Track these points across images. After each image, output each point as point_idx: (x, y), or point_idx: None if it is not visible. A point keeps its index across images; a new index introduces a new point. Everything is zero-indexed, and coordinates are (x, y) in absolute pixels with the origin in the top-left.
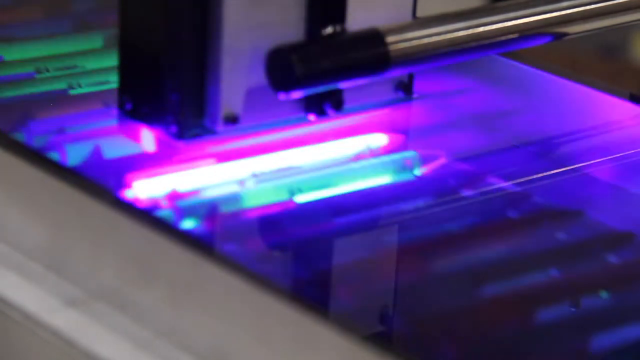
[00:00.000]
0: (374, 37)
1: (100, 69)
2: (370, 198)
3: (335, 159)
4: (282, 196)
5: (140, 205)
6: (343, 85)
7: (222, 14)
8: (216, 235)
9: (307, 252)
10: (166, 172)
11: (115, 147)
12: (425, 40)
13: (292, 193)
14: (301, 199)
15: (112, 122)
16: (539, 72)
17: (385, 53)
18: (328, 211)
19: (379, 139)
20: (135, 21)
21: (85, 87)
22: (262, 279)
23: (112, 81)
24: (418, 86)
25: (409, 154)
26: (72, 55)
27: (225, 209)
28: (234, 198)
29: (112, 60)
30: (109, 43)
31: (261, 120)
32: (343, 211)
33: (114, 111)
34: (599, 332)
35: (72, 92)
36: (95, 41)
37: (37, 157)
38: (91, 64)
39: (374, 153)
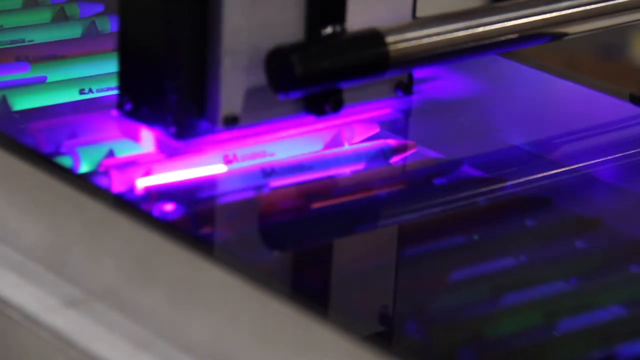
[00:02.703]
0: (374, 37)
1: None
2: (344, 185)
3: (309, 147)
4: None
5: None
6: (343, 85)
7: (222, 15)
8: (185, 220)
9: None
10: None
11: (24, 98)
12: (425, 41)
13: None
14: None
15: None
16: (539, 72)
17: (385, 53)
18: (300, 197)
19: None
20: (135, 21)
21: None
22: (262, 279)
23: (28, 39)
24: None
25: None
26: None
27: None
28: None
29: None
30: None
31: (261, 120)
32: (316, 197)
33: (26, 65)
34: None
35: None
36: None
37: (38, 157)
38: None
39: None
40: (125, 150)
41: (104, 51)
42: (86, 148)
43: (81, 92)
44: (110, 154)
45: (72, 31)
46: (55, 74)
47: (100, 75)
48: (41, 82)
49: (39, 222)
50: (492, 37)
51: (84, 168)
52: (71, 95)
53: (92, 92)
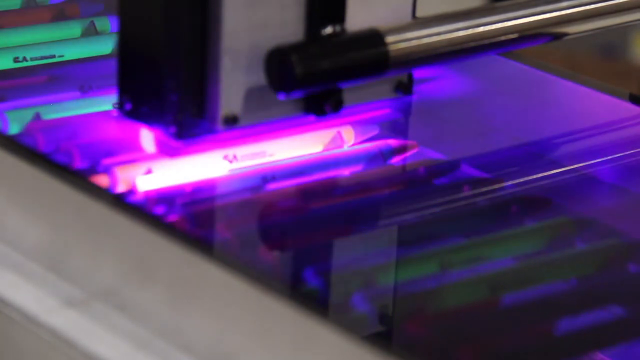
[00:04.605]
0: (374, 37)
1: None
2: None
3: (308, 148)
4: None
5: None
6: (343, 85)
7: (221, 14)
8: (185, 220)
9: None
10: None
11: None
12: (425, 40)
13: (265, 180)
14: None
15: None
16: (539, 72)
17: (385, 53)
18: (300, 197)
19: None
20: (134, 21)
21: None
22: (262, 279)
23: None
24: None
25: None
26: None
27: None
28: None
29: None
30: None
31: (261, 120)
32: (316, 198)
33: None
34: None
35: None
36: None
37: (38, 157)
38: None
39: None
40: (52, 113)
41: (40, 21)
42: (14, 111)
43: (15, 60)
44: (37, 117)
45: (11, 2)
46: None
47: (35, 44)
48: None
49: (39, 222)
50: (492, 37)
51: (12, 130)
52: (6, 63)
53: (27, 60)
